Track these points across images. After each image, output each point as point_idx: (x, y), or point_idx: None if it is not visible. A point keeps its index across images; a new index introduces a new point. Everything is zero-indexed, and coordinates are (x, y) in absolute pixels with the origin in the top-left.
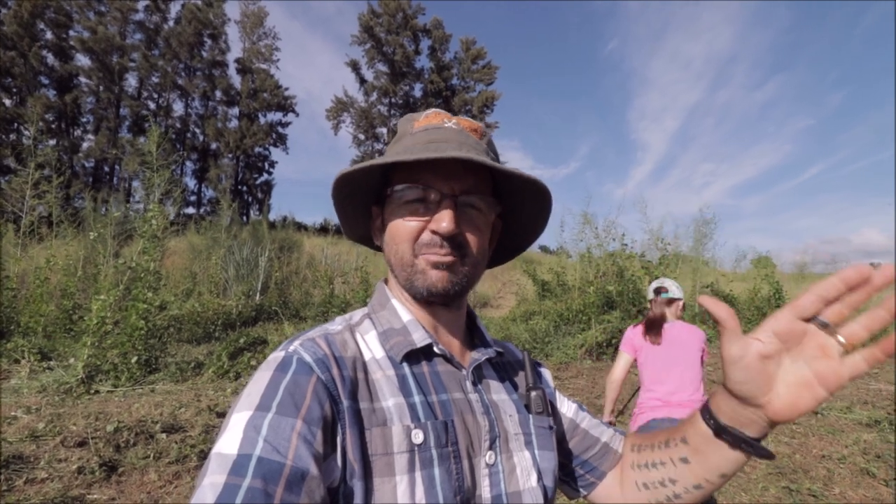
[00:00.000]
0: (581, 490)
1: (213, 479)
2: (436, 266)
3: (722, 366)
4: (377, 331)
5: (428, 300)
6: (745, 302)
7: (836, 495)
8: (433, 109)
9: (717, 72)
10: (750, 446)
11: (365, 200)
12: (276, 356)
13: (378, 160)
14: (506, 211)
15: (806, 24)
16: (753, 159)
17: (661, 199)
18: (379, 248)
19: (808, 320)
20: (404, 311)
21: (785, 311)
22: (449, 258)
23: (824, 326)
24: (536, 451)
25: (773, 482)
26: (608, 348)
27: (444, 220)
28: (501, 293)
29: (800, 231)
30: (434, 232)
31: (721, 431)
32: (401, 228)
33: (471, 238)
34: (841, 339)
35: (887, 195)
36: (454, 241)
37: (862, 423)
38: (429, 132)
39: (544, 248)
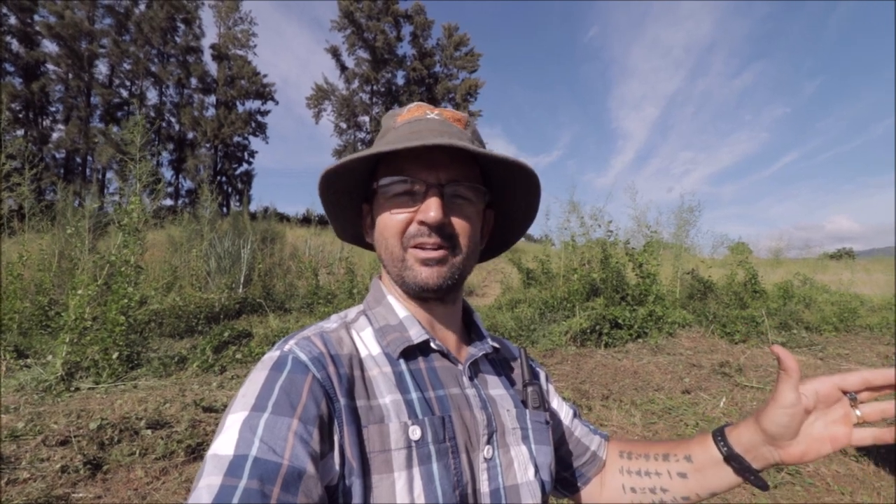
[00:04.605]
0: (565, 492)
1: (209, 480)
2: (425, 263)
3: (768, 405)
4: (373, 327)
5: (421, 296)
6: (723, 287)
7: (809, 472)
8: (416, 103)
9: (696, 60)
10: (752, 475)
11: (354, 199)
12: (271, 355)
13: (360, 153)
14: (496, 200)
15: (783, 11)
16: (731, 147)
17: (642, 187)
18: (371, 247)
19: (844, 392)
20: (400, 307)
21: (831, 379)
22: (438, 252)
23: (853, 400)
24: (533, 446)
25: None
26: (592, 335)
27: (430, 210)
28: (486, 282)
29: (775, 218)
30: (422, 223)
31: (731, 458)
32: (388, 222)
33: (460, 227)
34: (859, 413)
35: (857, 183)
36: (443, 231)
37: None
38: (411, 125)
39: (528, 237)
